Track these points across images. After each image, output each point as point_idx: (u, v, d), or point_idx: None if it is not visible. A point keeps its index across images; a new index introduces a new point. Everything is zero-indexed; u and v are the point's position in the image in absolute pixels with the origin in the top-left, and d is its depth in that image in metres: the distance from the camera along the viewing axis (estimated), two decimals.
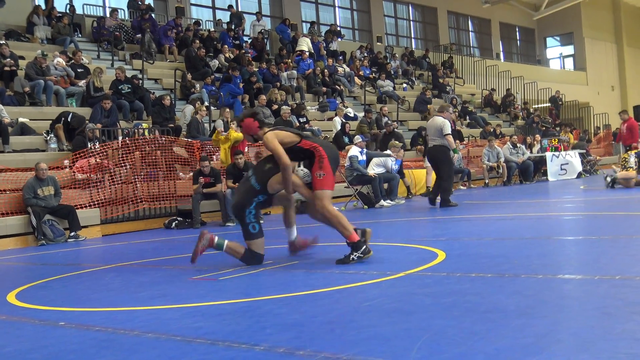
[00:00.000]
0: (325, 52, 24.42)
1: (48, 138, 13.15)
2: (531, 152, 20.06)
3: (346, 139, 17.15)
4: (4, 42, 15.68)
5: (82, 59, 16.31)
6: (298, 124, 16.09)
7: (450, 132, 11.56)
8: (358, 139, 13.94)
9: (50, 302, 5.16)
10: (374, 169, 13.58)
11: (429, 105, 23.77)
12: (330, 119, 19.47)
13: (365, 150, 13.71)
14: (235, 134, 12.75)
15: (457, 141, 12.93)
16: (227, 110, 15.87)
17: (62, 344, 3.65)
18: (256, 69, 19.79)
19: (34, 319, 4.49)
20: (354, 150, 13.52)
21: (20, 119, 13.44)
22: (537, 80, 31.49)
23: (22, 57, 15.71)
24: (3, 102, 13.45)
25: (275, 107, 17.80)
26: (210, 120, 16.25)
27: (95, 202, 11.77)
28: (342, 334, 3.39)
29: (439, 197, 11.73)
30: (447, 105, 12.50)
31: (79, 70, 15.85)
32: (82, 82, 15.55)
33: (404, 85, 26.13)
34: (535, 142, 21.02)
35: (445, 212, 10.75)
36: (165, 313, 4.34)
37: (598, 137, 27.35)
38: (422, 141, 18.93)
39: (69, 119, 13.42)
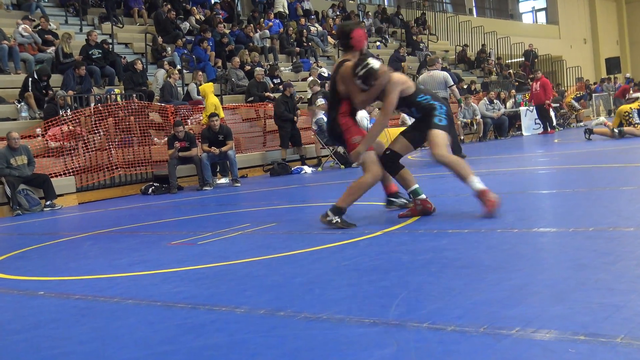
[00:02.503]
0: (302, 12, 24.16)
1: (19, 107, 12.93)
2: (505, 107, 20.15)
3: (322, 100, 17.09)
4: None
5: (50, 25, 15.97)
6: (272, 85, 15.97)
7: (453, 83, 12.00)
8: (320, 101, 13.77)
9: (29, 272, 5.14)
10: None
11: (403, 63, 23.68)
12: (305, 79, 19.34)
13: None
14: (213, 99, 12.75)
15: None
16: (200, 73, 15.72)
17: (42, 314, 3.64)
18: (227, 31, 19.55)
19: (13, 290, 4.47)
20: (318, 114, 13.54)
21: None
22: (510, 35, 31.48)
23: None
24: None
25: (247, 68, 17.64)
26: (184, 83, 16.09)
27: (70, 170, 11.66)
28: (322, 293, 3.41)
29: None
30: (435, 58, 12.88)
31: (46, 36, 15.53)
32: (50, 49, 15.25)
33: (378, 43, 25.98)
34: (509, 97, 21.10)
35: (424, 168, 10.82)
36: (145, 279, 4.34)
37: (571, 90, 27.51)
38: None
39: (35, 77, 13.22)
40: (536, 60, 30.03)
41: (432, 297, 3.08)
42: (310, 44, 22.18)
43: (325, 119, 13.24)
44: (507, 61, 29.73)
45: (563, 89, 26.69)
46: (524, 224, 4.81)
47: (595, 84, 30.49)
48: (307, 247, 4.80)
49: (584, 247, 3.83)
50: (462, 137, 18.23)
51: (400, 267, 3.80)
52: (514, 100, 20.73)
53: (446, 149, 5.65)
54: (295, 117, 14.03)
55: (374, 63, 5.32)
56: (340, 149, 13.69)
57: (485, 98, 19.17)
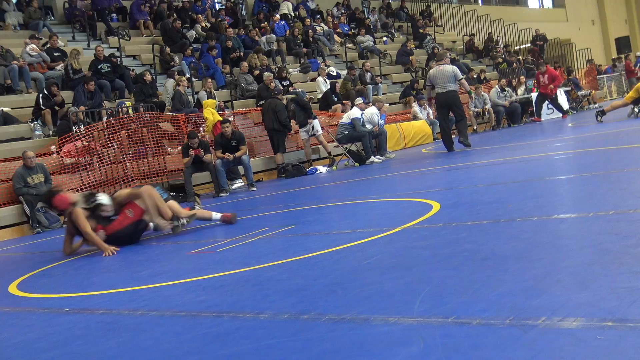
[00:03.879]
0: (305, 12, 24.17)
1: (32, 125, 13.04)
2: (516, 94, 20.05)
3: (334, 98, 17.12)
4: None
5: (58, 42, 16.08)
6: (282, 87, 15.99)
7: (462, 76, 12.38)
8: (359, 100, 13.99)
9: (52, 289, 5.18)
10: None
11: (411, 57, 23.66)
12: (314, 79, 19.36)
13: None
14: (212, 117, 13.04)
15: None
16: (209, 80, 15.77)
17: (68, 330, 3.66)
18: (234, 36, 19.60)
19: (38, 308, 4.51)
20: (356, 112, 13.53)
21: (2, 109, 13.31)
22: (517, 22, 31.33)
23: None
24: None
25: (256, 72, 17.67)
26: (193, 91, 16.14)
27: (87, 185, 11.73)
28: (345, 294, 3.41)
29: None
30: (444, 52, 13.04)
31: (55, 54, 15.64)
32: (59, 66, 15.35)
33: (384, 38, 25.95)
34: (519, 84, 20.99)
35: (439, 161, 10.79)
36: (167, 290, 4.36)
37: (583, 73, 27.33)
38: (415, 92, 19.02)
39: (44, 91, 13.34)
40: (542, 43, 29.83)
41: (456, 291, 3.07)
42: (317, 43, 22.18)
43: (361, 118, 13.36)
44: (515, 48, 29.55)
45: (572, 71, 26.44)
46: (543, 212, 4.78)
47: (600, 65, 30.20)
48: (326, 248, 4.79)
49: (606, 231, 3.80)
50: (475, 127, 18.18)
51: (422, 263, 3.79)
52: (525, 86, 20.62)
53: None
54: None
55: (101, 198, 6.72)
56: (354, 147, 13.70)
57: (496, 86, 19.09)
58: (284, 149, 13.89)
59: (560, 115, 18.78)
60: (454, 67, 12.34)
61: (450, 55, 15.09)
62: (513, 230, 4.31)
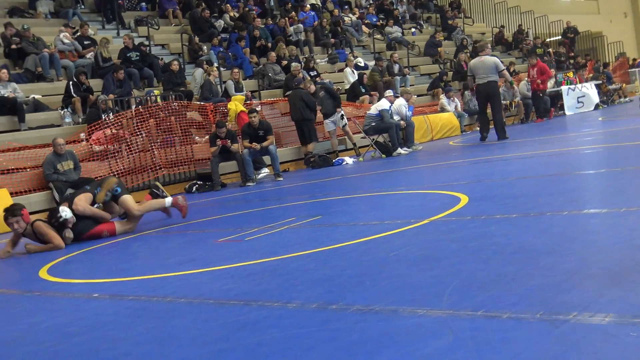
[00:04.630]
0: (332, 3, 24.10)
1: (62, 113, 13.17)
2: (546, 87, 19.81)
3: (362, 90, 17.07)
4: (8, 20, 15.60)
5: (89, 31, 16.22)
6: (309, 78, 15.96)
7: (504, 68, 12.92)
8: (389, 92, 13.96)
9: (82, 274, 5.24)
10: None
11: (439, 48, 23.49)
12: (341, 70, 19.31)
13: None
14: (234, 107, 13.12)
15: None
16: (236, 70, 15.81)
17: (98, 316, 3.71)
18: (262, 26, 19.61)
19: (68, 293, 4.57)
20: (384, 104, 13.50)
21: (33, 96, 13.46)
22: (548, 13, 30.93)
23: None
24: (14, 81, 13.45)
25: (284, 62, 17.68)
26: (221, 81, 16.19)
27: (115, 173, 11.84)
28: (373, 285, 3.41)
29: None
30: (485, 43, 13.50)
31: (85, 42, 15.77)
32: (89, 54, 15.49)
33: (413, 30, 25.78)
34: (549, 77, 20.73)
35: (466, 153, 10.72)
36: (195, 277, 4.39)
37: (614, 67, 26.93)
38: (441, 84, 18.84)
39: (74, 79, 13.47)
40: (576, 37, 29.45)
41: (485, 285, 3.05)
42: (345, 34, 22.11)
43: (389, 110, 13.36)
44: (545, 40, 29.19)
45: (600, 65, 26.02)
46: (574, 206, 4.73)
47: (635, 59, 29.71)
48: (354, 239, 4.79)
49: (637, 227, 3.75)
50: (504, 120, 18.02)
51: (450, 255, 3.77)
52: (554, 79, 20.36)
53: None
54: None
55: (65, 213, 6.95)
56: (381, 139, 13.66)
57: (526, 79, 18.88)
58: (316, 137, 13.86)
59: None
60: (495, 58, 12.74)
61: (490, 47, 15.16)
62: (543, 224, 4.27)
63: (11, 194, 10.35)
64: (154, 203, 7.74)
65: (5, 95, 12.43)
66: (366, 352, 2.46)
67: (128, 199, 7.48)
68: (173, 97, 13.53)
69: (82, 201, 7.13)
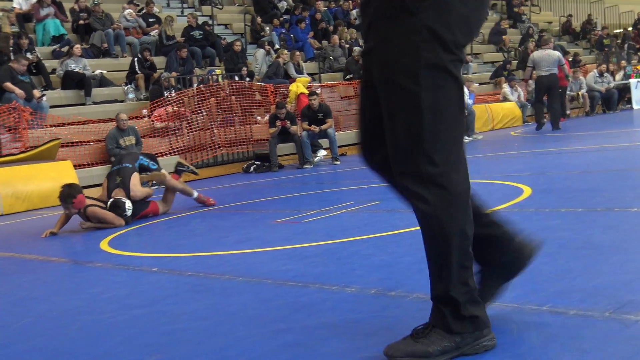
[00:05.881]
0: None
1: (126, 89, 13.41)
2: (614, 79, 19.25)
3: None
4: None
5: (153, 9, 16.42)
6: None
7: (564, 62, 13.75)
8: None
9: (142, 248, 5.32)
10: None
11: (504, 36, 23.02)
12: None
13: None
14: (295, 88, 13.08)
15: None
16: (297, 52, 15.80)
17: (157, 289, 3.75)
18: (324, 8, 19.52)
19: (128, 266, 4.64)
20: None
21: (101, 72, 13.73)
22: (619, 4, 29.96)
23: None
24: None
25: (347, 46, 17.58)
26: (284, 63, 16.18)
27: (175, 150, 12.01)
28: None
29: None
30: (549, 37, 14.35)
31: (150, 20, 15.98)
32: (154, 32, 15.69)
33: None
34: (618, 69, 20.14)
35: (528, 144, 10.50)
36: (253, 257, 4.41)
37: None
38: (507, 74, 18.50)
39: (138, 55, 13.68)
40: None
41: (551, 280, 2.96)
42: None
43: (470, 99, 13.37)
44: (615, 31, 28.32)
45: None
46: None
47: None
48: (413, 227, 4.70)
49: None
50: (568, 112, 17.58)
51: None
52: (623, 72, 19.77)
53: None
54: None
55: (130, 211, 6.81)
56: None
57: (594, 70, 18.37)
58: None
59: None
60: (559, 52, 13.54)
61: (553, 40, 15.74)
62: (611, 220, 4.14)
63: (74, 166, 10.59)
64: (183, 185, 7.79)
65: (76, 70, 12.71)
66: None
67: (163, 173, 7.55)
68: (234, 77, 13.61)
69: (137, 186, 7.06)
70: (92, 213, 6.67)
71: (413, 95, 2.09)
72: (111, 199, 6.79)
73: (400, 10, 2.09)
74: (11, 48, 12.57)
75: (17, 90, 11.08)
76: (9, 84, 11.17)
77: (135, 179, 7.07)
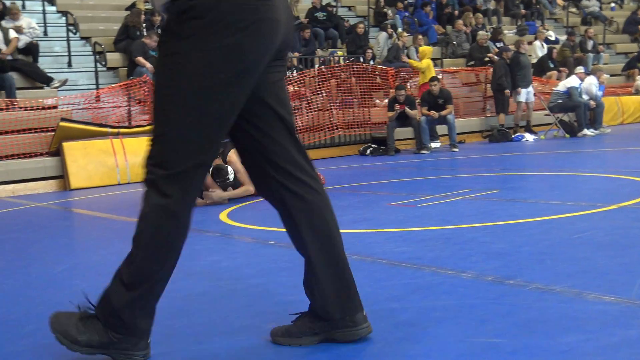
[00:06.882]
0: None
1: None
2: None
3: (551, 65, 16.27)
4: None
5: None
6: (497, 50, 15.42)
7: None
8: (580, 69, 13.24)
9: (259, 222, 5.45)
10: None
11: None
12: (530, 43, 18.48)
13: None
14: (416, 63, 12.85)
15: None
16: (420, 36, 15.60)
17: (273, 262, 3.83)
18: None
19: (246, 237, 4.77)
20: (574, 81, 12.82)
21: None
22: None
23: None
24: None
25: (467, 30, 17.15)
26: (404, 46, 16.06)
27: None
28: (554, 265, 3.25)
29: None
30: None
31: None
32: None
33: (612, 4, 24.10)
34: None
35: (621, 143, 9.95)
36: (368, 237, 4.42)
37: None
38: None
39: None
40: None
41: None
42: (538, 6, 21.11)
43: (579, 87, 12.65)
44: None
45: None
46: None
47: None
48: (533, 217, 4.60)
49: None
50: None
51: None
52: None
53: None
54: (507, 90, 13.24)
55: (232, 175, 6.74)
56: (566, 117, 12.98)
57: None
58: (501, 109, 13.32)
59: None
60: None
61: None
62: None
63: None
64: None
65: None
66: (545, 331, 2.34)
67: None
68: (356, 59, 13.63)
69: (233, 157, 6.89)
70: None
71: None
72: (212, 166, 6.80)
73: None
74: (144, 24, 13.12)
75: (148, 65, 11.56)
76: (140, 59, 11.68)
77: (235, 153, 6.89)
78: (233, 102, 2.14)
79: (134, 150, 9.87)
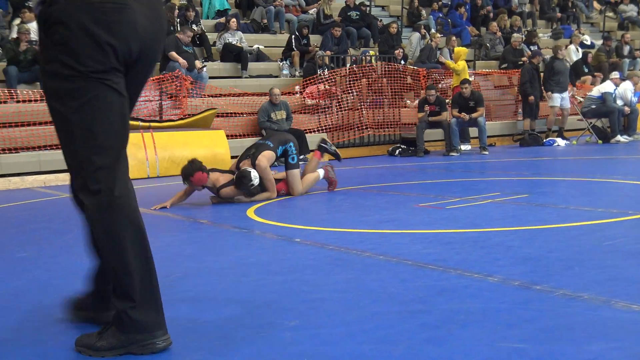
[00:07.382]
0: None
1: (281, 65, 13.74)
2: None
3: (585, 69, 16.06)
4: None
5: None
6: (529, 53, 15.26)
7: None
8: (615, 75, 13.03)
9: (286, 219, 5.46)
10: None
11: None
12: (565, 47, 18.25)
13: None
14: (453, 64, 12.71)
15: None
16: (453, 38, 15.49)
17: (298, 259, 3.84)
18: None
19: (272, 234, 4.78)
20: (608, 86, 12.65)
21: (258, 46, 14.15)
22: None
23: None
24: (241, 30, 14.21)
25: (499, 34, 16.99)
26: (437, 47, 15.97)
27: (323, 127, 12.18)
28: (582, 272, 3.21)
29: None
30: None
31: None
32: (312, 10, 15.96)
33: None
34: None
35: None
36: (394, 237, 4.40)
37: None
38: None
39: (296, 32, 13.98)
40: None
41: None
42: (574, 10, 20.85)
43: (613, 93, 12.45)
44: None
45: None
46: None
47: None
48: (562, 222, 4.54)
49: None
50: None
51: None
52: None
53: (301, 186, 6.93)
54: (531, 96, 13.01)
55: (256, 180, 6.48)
56: (600, 123, 12.81)
57: None
58: (528, 114, 13.14)
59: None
60: None
61: None
62: None
63: (227, 136, 11.01)
64: (312, 180, 7.15)
65: (233, 42, 13.19)
66: (572, 338, 2.31)
67: (296, 174, 6.97)
68: (387, 59, 13.58)
69: (263, 161, 6.65)
70: (225, 195, 6.55)
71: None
72: (237, 170, 6.68)
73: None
74: (177, 19, 13.22)
75: (181, 60, 11.64)
76: (173, 53, 11.76)
77: (265, 156, 6.72)
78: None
79: (164, 145, 9.94)
